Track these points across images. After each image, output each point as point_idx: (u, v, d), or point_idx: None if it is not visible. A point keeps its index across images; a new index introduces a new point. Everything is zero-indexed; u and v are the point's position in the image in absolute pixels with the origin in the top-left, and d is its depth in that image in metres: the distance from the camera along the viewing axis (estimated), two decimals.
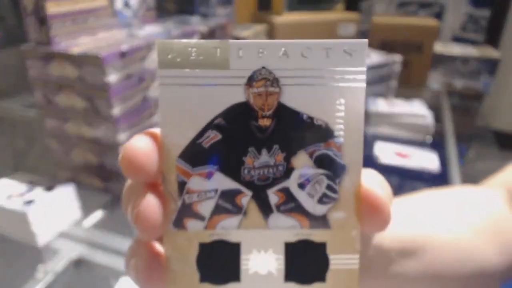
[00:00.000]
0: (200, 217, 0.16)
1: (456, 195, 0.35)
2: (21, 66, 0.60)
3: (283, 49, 0.15)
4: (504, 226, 0.32)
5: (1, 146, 0.84)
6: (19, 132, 0.90)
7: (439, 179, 0.71)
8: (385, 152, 0.77)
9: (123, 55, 0.56)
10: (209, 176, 0.16)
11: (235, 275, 0.17)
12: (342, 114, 0.16)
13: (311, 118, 0.16)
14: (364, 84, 0.16)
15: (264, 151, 0.16)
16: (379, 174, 0.18)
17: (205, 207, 0.16)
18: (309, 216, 0.16)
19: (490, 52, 1.22)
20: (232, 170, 0.16)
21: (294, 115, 0.16)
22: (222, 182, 0.16)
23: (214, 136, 0.16)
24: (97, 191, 0.65)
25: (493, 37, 1.83)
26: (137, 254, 0.17)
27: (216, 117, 0.16)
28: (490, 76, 1.19)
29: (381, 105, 0.91)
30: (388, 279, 0.26)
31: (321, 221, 0.16)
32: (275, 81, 0.16)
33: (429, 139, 0.86)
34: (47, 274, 0.48)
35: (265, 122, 0.16)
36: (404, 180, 0.72)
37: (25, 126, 0.90)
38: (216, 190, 0.16)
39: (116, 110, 0.57)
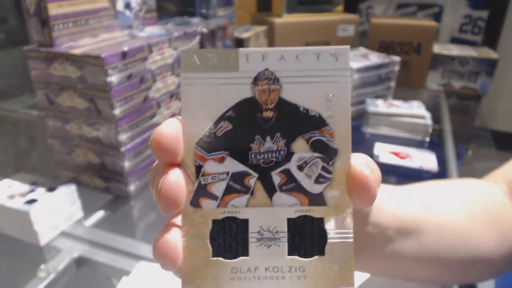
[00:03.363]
0: (213, 197, 0.19)
1: (458, 185, 0.36)
2: (23, 67, 0.61)
3: (281, 54, 0.18)
4: (503, 217, 0.33)
5: (3, 147, 0.84)
6: (21, 133, 0.90)
7: (438, 179, 0.71)
8: (384, 152, 0.77)
9: (124, 56, 0.57)
10: (221, 160, 0.19)
11: (244, 250, 0.19)
12: (331, 105, 0.18)
13: (306, 110, 0.18)
14: (348, 80, 0.18)
15: (268, 138, 0.19)
16: (367, 156, 0.19)
17: (218, 188, 0.19)
18: (308, 194, 0.19)
19: (488, 53, 1.22)
20: (241, 155, 0.19)
21: (292, 107, 0.19)
22: (233, 165, 0.19)
23: (226, 126, 0.18)
24: (99, 191, 0.65)
25: (491, 38, 1.83)
26: (158, 237, 0.18)
27: (227, 110, 0.18)
28: (488, 77, 1.20)
29: (380, 106, 0.91)
30: (386, 258, 0.26)
31: (319, 199, 0.19)
32: (276, 80, 0.18)
33: (427, 139, 0.86)
34: (49, 273, 0.49)
35: (268, 114, 0.18)
36: (402, 180, 0.73)
37: (27, 127, 0.90)
38: (227, 173, 0.19)
39: (117, 111, 0.57)
